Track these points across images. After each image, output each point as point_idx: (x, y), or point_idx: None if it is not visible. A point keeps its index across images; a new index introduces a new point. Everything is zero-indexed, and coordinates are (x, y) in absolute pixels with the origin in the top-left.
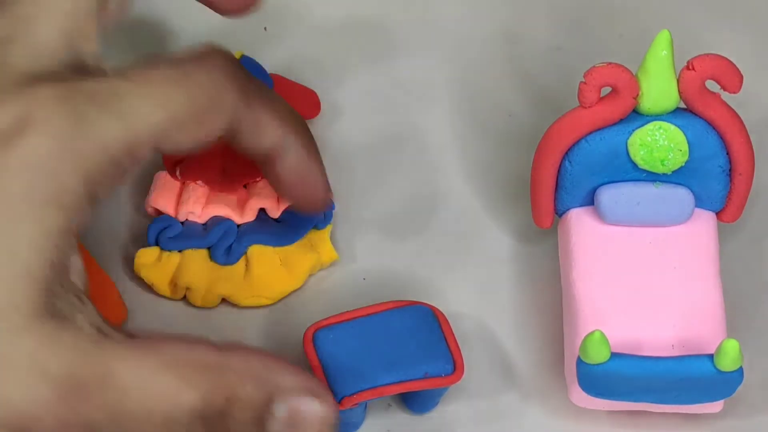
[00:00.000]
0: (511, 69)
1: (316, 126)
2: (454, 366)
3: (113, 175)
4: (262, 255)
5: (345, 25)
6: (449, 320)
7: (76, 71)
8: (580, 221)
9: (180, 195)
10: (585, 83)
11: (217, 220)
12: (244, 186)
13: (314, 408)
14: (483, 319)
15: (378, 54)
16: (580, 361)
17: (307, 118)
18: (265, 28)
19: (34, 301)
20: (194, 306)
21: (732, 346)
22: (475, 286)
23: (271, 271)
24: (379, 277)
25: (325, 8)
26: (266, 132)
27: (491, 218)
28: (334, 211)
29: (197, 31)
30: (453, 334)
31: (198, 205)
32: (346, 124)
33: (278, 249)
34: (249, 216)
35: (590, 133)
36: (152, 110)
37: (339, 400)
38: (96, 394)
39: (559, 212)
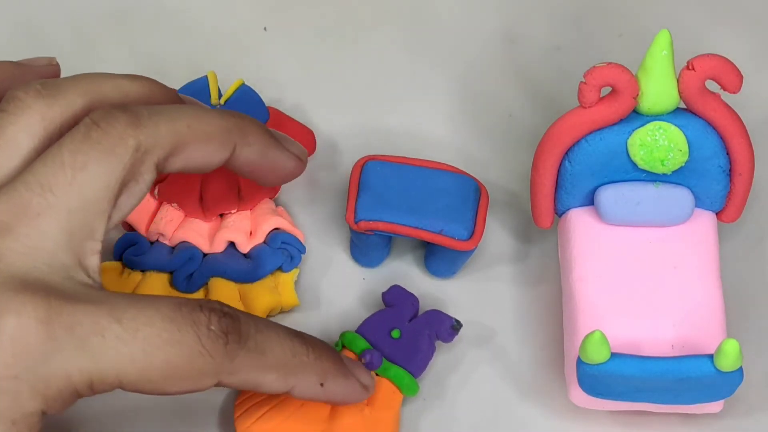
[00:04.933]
0: (511, 69)
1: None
2: (470, 236)
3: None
4: (222, 288)
5: (344, 24)
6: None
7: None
8: (580, 221)
9: (154, 214)
10: (585, 83)
11: (184, 246)
12: (220, 215)
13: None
14: (483, 319)
15: (377, 54)
16: (580, 361)
17: None
18: (264, 29)
19: None
20: None
21: (732, 346)
22: (475, 286)
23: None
24: (380, 277)
25: (324, 7)
26: (215, 152)
27: (491, 218)
28: (303, 255)
29: (197, 32)
30: (485, 212)
31: (169, 228)
32: (344, 120)
33: (240, 285)
34: (218, 247)
35: (590, 133)
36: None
37: (356, 222)
38: None
39: (559, 212)
